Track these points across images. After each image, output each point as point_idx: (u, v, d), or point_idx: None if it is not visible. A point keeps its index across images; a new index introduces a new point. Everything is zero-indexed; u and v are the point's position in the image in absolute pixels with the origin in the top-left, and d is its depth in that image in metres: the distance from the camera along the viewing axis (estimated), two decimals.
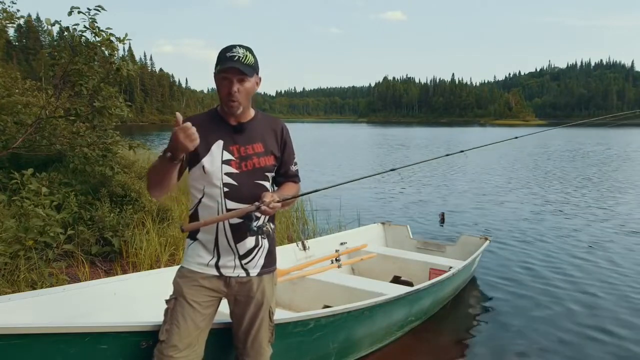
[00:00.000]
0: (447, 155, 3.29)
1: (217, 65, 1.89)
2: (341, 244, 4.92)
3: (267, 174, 2.03)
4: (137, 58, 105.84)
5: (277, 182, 2.13)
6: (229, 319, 2.14)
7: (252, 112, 2.03)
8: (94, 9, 4.84)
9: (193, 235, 2.02)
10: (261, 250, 2.05)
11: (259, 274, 2.04)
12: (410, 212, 8.81)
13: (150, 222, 4.86)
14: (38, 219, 3.72)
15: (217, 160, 1.94)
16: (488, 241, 5.08)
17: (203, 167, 1.93)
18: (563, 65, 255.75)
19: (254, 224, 1.91)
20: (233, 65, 1.84)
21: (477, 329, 3.96)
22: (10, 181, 4.28)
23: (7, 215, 3.89)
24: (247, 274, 2.02)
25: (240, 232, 1.96)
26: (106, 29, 5.00)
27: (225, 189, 1.94)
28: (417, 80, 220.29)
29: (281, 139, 2.08)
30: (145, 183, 5.83)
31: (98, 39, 4.99)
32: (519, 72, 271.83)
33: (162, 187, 1.87)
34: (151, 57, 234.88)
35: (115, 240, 4.52)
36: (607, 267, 5.54)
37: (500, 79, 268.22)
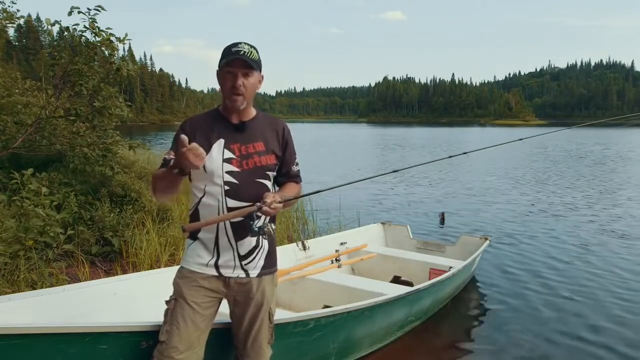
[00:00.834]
0: (450, 157, 3.30)
1: (221, 60, 1.90)
2: (341, 244, 4.92)
3: (268, 172, 2.03)
4: (137, 58, 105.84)
5: (279, 182, 2.13)
6: (229, 319, 2.14)
7: (253, 111, 2.04)
8: (94, 9, 4.84)
9: (194, 235, 2.02)
10: (261, 251, 2.04)
11: (259, 275, 2.04)
12: (410, 212, 8.81)
13: (150, 222, 4.86)
14: (38, 219, 3.72)
15: (218, 159, 1.94)
16: (488, 241, 5.08)
17: (204, 166, 1.92)
18: (563, 65, 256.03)
19: (256, 224, 1.91)
20: (239, 57, 1.86)
21: (477, 329, 3.97)
22: (10, 181, 4.28)
23: (7, 215, 3.89)
24: (247, 275, 2.02)
25: (241, 231, 1.96)
26: (106, 29, 5.00)
27: (226, 188, 1.94)
28: (417, 80, 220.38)
29: (282, 139, 2.08)
30: (145, 183, 5.86)
31: (98, 39, 4.98)
32: (519, 72, 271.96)
33: (168, 194, 1.92)
34: (151, 57, 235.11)
35: (115, 240, 4.52)
36: (608, 267, 5.54)
37: (500, 79, 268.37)
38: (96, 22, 4.90)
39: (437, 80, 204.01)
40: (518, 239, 6.86)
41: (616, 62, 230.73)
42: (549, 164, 18.55)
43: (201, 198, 1.97)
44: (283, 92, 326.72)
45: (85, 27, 4.88)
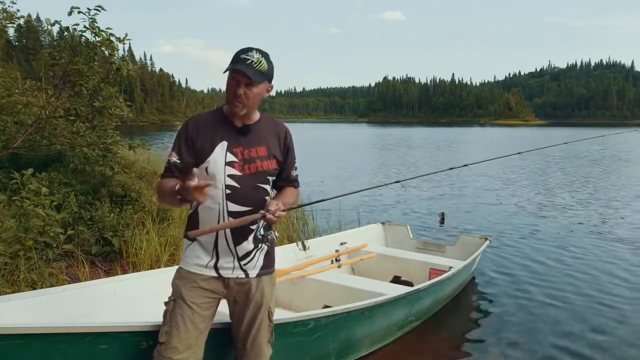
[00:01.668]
0: (451, 169, 3.30)
1: (230, 64, 1.89)
2: (341, 244, 4.92)
3: (269, 177, 2.03)
4: (137, 58, 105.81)
5: (277, 187, 2.14)
6: (228, 319, 2.14)
7: (257, 115, 2.04)
8: (94, 9, 4.83)
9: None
10: (260, 251, 2.05)
11: (258, 275, 2.04)
12: (410, 212, 8.81)
13: (150, 222, 4.85)
14: (38, 219, 3.71)
15: (220, 162, 1.93)
16: (488, 241, 5.08)
17: (206, 168, 1.93)
18: (563, 65, 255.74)
19: (260, 232, 1.92)
20: (241, 69, 1.84)
21: (477, 329, 3.97)
22: (10, 181, 4.28)
23: (7, 215, 3.89)
24: (246, 275, 2.02)
25: (240, 235, 1.96)
26: (106, 29, 5.00)
27: (227, 191, 1.94)
28: (417, 80, 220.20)
29: (284, 144, 2.08)
30: (145, 183, 5.86)
31: (98, 39, 4.98)
32: (519, 72, 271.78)
33: (174, 206, 1.98)
34: (151, 57, 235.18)
35: (115, 240, 4.52)
36: (609, 267, 5.53)
37: (500, 79, 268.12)
38: (96, 22, 4.90)
39: (437, 80, 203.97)
40: (518, 239, 6.86)
41: (616, 62, 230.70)
42: (549, 164, 18.54)
43: None
44: (283, 92, 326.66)
45: (85, 27, 4.87)
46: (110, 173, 5.39)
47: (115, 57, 5.23)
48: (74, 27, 4.88)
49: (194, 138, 1.95)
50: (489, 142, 28.98)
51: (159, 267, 4.37)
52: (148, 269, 4.05)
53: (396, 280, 4.73)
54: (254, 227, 1.95)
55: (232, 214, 1.93)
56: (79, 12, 4.79)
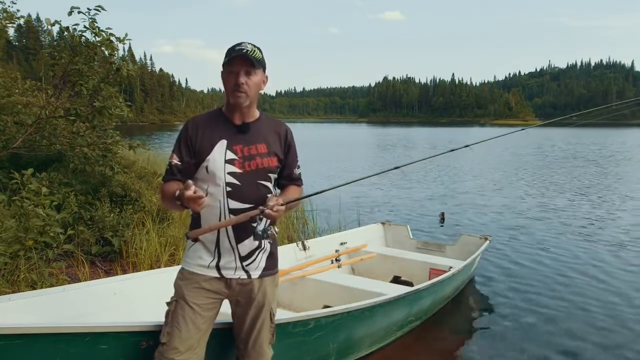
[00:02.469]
0: (452, 150, 3.28)
1: (224, 59, 1.91)
2: (341, 244, 4.92)
3: (270, 174, 2.03)
4: (137, 58, 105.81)
5: (280, 185, 2.14)
6: (229, 319, 2.14)
7: (257, 113, 2.05)
8: (94, 9, 4.83)
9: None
10: (263, 252, 2.04)
11: (260, 276, 2.04)
12: (410, 212, 8.81)
13: (150, 222, 4.85)
14: (38, 219, 3.71)
15: (220, 160, 1.94)
16: (488, 241, 5.07)
17: (206, 167, 1.93)
18: (563, 65, 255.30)
19: (259, 227, 1.93)
20: (241, 54, 1.86)
21: (476, 329, 3.97)
22: (10, 181, 4.27)
23: (7, 215, 3.88)
24: (248, 275, 2.02)
25: (242, 232, 1.96)
26: (106, 29, 5.00)
27: (228, 189, 1.94)
28: (417, 80, 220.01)
29: (285, 142, 2.08)
30: (145, 183, 5.86)
31: (98, 39, 4.98)
32: (519, 72, 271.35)
33: (176, 210, 2.01)
34: (151, 57, 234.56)
35: (115, 240, 4.52)
36: (609, 267, 5.54)
37: (500, 79, 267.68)
38: (96, 22, 4.90)
39: (437, 80, 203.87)
40: (518, 238, 6.86)
41: (616, 62, 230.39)
42: (550, 164, 18.55)
43: None
44: (283, 92, 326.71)
45: (85, 27, 4.87)
46: (110, 173, 5.39)
47: (115, 57, 5.23)
48: (74, 27, 4.88)
49: (193, 138, 1.96)
50: (489, 143, 28.93)
51: (159, 267, 4.37)
52: (148, 269, 4.05)
53: (396, 280, 4.73)
54: (255, 224, 1.96)
55: (233, 211, 1.94)
56: (79, 12, 4.79)
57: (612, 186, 12.43)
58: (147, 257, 4.42)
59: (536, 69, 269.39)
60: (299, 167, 2.18)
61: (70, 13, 4.80)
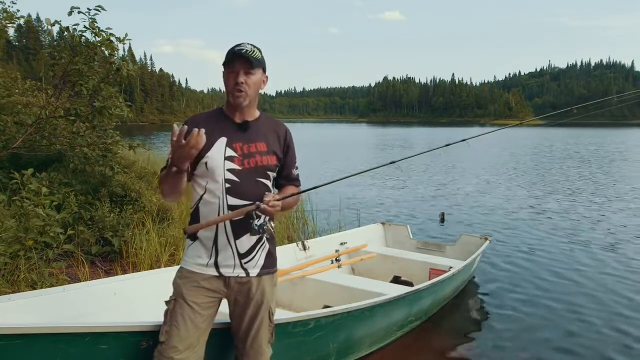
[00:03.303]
0: (448, 145, 3.28)
1: (225, 60, 1.93)
2: (341, 244, 4.92)
3: (268, 172, 2.04)
4: (137, 58, 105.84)
5: (279, 185, 2.15)
6: (228, 319, 2.14)
7: (257, 112, 2.07)
8: (94, 9, 4.83)
9: (193, 235, 2.02)
10: (261, 250, 2.05)
11: (259, 275, 2.04)
12: (410, 212, 8.81)
13: (150, 222, 4.86)
14: (38, 219, 3.71)
15: (219, 157, 1.95)
16: (488, 241, 5.07)
17: (206, 163, 1.94)
18: (563, 65, 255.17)
19: (255, 222, 1.94)
20: (240, 55, 1.89)
21: (476, 329, 3.97)
22: (10, 181, 4.27)
23: (7, 215, 3.88)
24: (247, 274, 2.02)
25: (240, 229, 1.97)
26: (106, 29, 5.00)
27: (227, 185, 1.95)
28: (417, 80, 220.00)
29: (284, 142, 2.10)
30: (145, 183, 5.86)
31: (98, 39, 4.98)
32: (519, 72, 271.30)
33: (174, 193, 1.93)
34: (151, 57, 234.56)
35: (115, 240, 4.52)
36: (609, 267, 5.54)
37: (500, 79, 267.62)
38: (96, 22, 4.90)
39: (437, 80, 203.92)
40: (518, 239, 6.86)
41: (616, 62, 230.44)
42: (550, 164, 18.55)
43: (202, 195, 1.98)
44: (283, 92, 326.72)
45: (85, 27, 4.87)
46: (110, 173, 5.39)
47: (115, 57, 5.23)
48: (74, 27, 4.88)
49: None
50: (489, 143, 28.95)
51: (159, 267, 4.37)
52: (148, 269, 4.05)
53: (396, 280, 4.73)
54: (252, 219, 1.97)
55: (232, 207, 1.95)
56: (79, 12, 4.79)
57: (614, 186, 12.43)
58: (147, 257, 4.42)
59: (536, 69, 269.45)
60: (297, 168, 2.19)
61: (70, 13, 4.81)
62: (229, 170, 1.95)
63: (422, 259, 4.75)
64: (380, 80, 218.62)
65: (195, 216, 2.01)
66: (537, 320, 4.08)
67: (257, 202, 1.89)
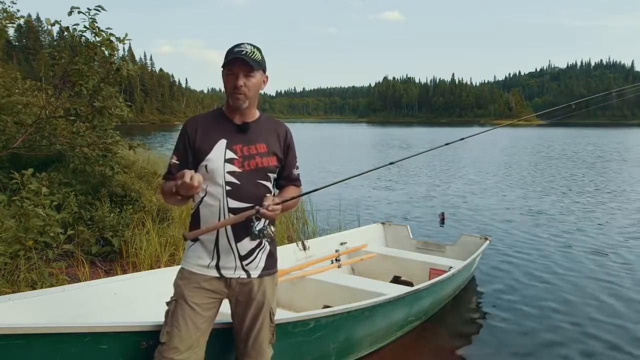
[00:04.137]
0: (447, 144, 3.28)
1: (224, 60, 1.91)
2: (341, 244, 4.92)
3: (269, 174, 2.03)
4: (137, 58, 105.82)
5: (279, 186, 2.14)
6: (229, 319, 2.14)
7: (256, 113, 2.06)
8: (94, 9, 4.83)
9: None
10: (262, 251, 2.05)
11: (260, 276, 2.04)
12: (410, 212, 8.81)
13: (150, 222, 4.86)
14: (38, 219, 3.71)
15: (220, 159, 1.95)
16: (488, 241, 5.07)
17: (206, 166, 1.94)
18: (563, 65, 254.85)
19: (255, 227, 1.94)
20: (239, 57, 1.87)
21: (476, 329, 3.97)
22: (10, 181, 4.28)
23: (7, 215, 3.88)
24: (248, 275, 2.02)
25: (240, 232, 1.96)
26: (106, 29, 5.00)
27: (228, 188, 1.94)
28: (417, 80, 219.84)
29: (285, 143, 2.09)
30: (145, 183, 5.86)
31: (98, 39, 4.98)
32: (519, 72, 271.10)
33: (178, 204, 1.98)
34: (151, 57, 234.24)
35: (115, 240, 4.52)
36: (609, 267, 5.54)
37: (500, 79, 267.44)
38: (96, 22, 4.90)
39: (437, 80, 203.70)
40: (518, 238, 6.86)
41: (616, 62, 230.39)
42: (550, 164, 18.55)
43: (203, 198, 1.97)
44: (283, 92, 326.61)
45: (85, 27, 4.87)
46: (110, 173, 5.39)
47: (115, 57, 5.23)
48: (74, 27, 4.88)
49: (193, 138, 1.97)
50: (489, 142, 28.98)
51: (159, 267, 4.37)
52: (148, 269, 4.05)
53: (396, 280, 4.73)
54: (252, 223, 1.97)
55: (232, 210, 1.94)
56: (79, 12, 4.79)
57: (614, 187, 12.43)
58: (147, 257, 4.43)
59: (536, 69, 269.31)
60: (297, 168, 2.18)
61: (70, 13, 4.80)
62: (229, 172, 1.95)
63: (422, 259, 4.75)
64: (380, 80, 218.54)
65: (195, 218, 2.01)
66: (537, 320, 4.08)
67: (257, 207, 1.87)
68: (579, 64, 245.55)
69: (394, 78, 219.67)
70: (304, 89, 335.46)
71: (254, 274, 2.03)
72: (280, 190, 2.14)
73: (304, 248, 4.52)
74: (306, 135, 44.48)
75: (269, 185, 2.05)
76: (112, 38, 5.00)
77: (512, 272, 5.35)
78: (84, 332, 1.89)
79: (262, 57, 1.96)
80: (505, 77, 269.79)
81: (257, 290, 2.03)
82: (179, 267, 2.09)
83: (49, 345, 1.83)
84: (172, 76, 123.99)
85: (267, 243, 2.06)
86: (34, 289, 3.22)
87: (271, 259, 2.09)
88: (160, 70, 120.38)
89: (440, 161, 18.23)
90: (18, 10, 5.94)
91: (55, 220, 3.87)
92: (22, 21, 6.88)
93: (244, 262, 2.01)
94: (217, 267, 1.99)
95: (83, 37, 4.97)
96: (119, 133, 5.74)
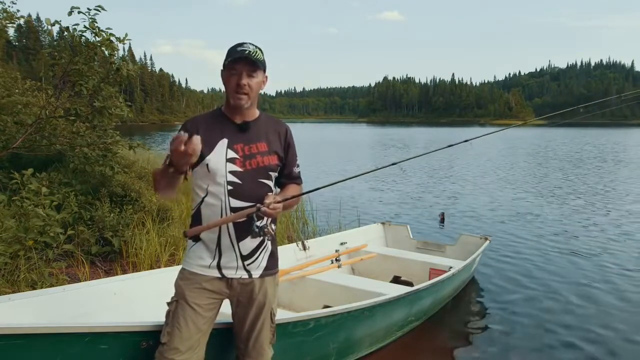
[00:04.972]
0: (450, 146, 3.27)
1: (226, 59, 1.90)
2: (341, 244, 4.91)
3: (270, 173, 2.03)
4: (137, 58, 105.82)
5: (280, 184, 2.14)
6: (229, 319, 2.14)
7: (256, 112, 2.06)
8: (94, 9, 4.83)
9: (196, 236, 2.02)
10: (264, 251, 2.05)
11: (261, 276, 2.04)
12: (411, 212, 8.80)
13: (150, 222, 4.86)
14: (38, 219, 3.71)
15: (221, 159, 1.94)
16: (488, 241, 5.07)
17: (207, 165, 1.93)
18: (563, 65, 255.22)
19: (256, 224, 1.93)
20: (243, 56, 1.86)
21: (477, 329, 3.96)
22: (10, 181, 4.28)
23: (7, 215, 3.88)
24: (250, 275, 2.02)
25: (243, 231, 1.96)
26: (106, 29, 5.00)
27: (229, 187, 1.94)
28: (417, 80, 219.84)
29: (285, 141, 2.09)
30: (145, 183, 5.86)
31: (98, 39, 4.98)
32: (519, 72, 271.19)
33: (169, 190, 1.89)
34: (151, 57, 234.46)
35: (115, 240, 4.52)
36: (608, 267, 5.53)
37: (500, 79, 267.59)
38: (96, 22, 4.90)
39: (437, 80, 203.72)
40: (518, 238, 6.86)
41: (616, 62, 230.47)
42: (550, 164, 18.55)
43: (204, 198, 1.97)
44: (283, 92, 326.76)
45: (85, 27, 4.87)
46: (110, 173, 5.39)
47: (115, 57, 5.23)
48: (74, 27, 4.88)
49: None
50: (489, 142, 28.97)
51: (159, 267, 4.37)
52: (148, 269, 4.05)
53: (396, 280, 4.73)
54: (253, 221, 1.96)
55: (234, 209, 1.94)
56: (79, 12, 4.79)
57: (615, 187, 12.42)
58: (147, 257, 4.43)
59: (536, 69, 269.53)
60: (298, 166, 2.18)
61: (70, 13, 4.80)
62: (231, 172, 1.95)
63: (422, 259, 4.75)
64: (380, 80, 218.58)
65: (196, 218, 2.00)
66: (537, 320, 4.08)
67: (258, 205, 1.88)
68: (579, 64, 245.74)
69: (394, 78, 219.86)
70: (304, 89, 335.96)
71: (256, 274, 2.03)
72: (281, 188, 2.14)
73: (304, 248, 4.52)
74: (306, 135, 44.47)
75: (271, 184, 2.05)
76: (112, 38, 5.01)
77: (512, 272, 5.35)
78: (84, 332, 1.89)
79: (264, 58, 1.95)
80: (505, 77, 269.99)
81: (259, 291, 2.03)
82: (179, 267, 2.08)
83: (49, 345, 1.83)
84: (172, 76, 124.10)
85: (268, 243, 2.06)
86: (34, 289, 3.22)
87: (272, 259, 2.09)
88: (160, 70, 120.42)
89: (441, 161, 18.22)
90: (18, 10, 5.95)
91: (55, 220, 3.87)
92: (22, 21, 6.89)
93: (246, 262, 2.00)
94: (219, 267, 1.99)
95: (83, 37, 4.97)
96: (119, 133, 5.74)
